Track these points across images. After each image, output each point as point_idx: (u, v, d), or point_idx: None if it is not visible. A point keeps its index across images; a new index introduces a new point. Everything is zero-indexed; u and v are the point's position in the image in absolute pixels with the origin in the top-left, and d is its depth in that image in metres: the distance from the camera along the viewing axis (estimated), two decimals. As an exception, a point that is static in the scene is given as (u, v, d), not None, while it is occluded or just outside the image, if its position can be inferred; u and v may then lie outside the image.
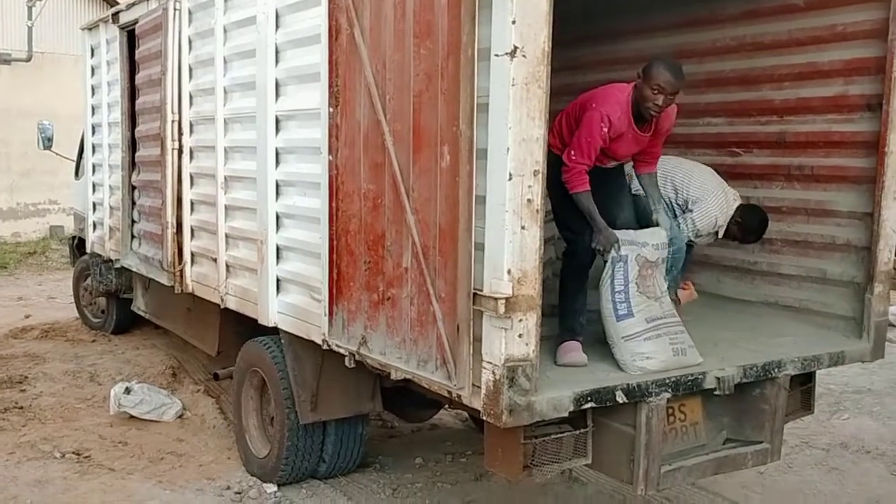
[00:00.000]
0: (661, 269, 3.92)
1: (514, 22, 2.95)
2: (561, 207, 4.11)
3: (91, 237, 7.94)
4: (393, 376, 3.68)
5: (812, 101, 4.49)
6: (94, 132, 7.74)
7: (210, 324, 5.89)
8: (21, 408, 6.04)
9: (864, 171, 4.22)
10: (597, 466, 3.65)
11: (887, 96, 4.04)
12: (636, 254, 3.81)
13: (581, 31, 5.60)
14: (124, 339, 8.16)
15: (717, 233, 4.58)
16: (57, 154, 9.17)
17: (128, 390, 5.93)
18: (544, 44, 3.01)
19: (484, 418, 3.20)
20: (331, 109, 3.85)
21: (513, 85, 2.96)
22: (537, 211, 3.06)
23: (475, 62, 3.06)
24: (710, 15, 5.07)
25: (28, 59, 13.79)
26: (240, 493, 4.78)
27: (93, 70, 7.66)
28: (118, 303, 8.09)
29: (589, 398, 3.33)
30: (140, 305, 7.52)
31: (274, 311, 4.67)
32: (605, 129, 3.79)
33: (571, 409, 3.28)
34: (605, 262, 3.83)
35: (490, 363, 3.11)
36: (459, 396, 3.27)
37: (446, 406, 5.43)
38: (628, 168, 4.35)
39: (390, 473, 5.14)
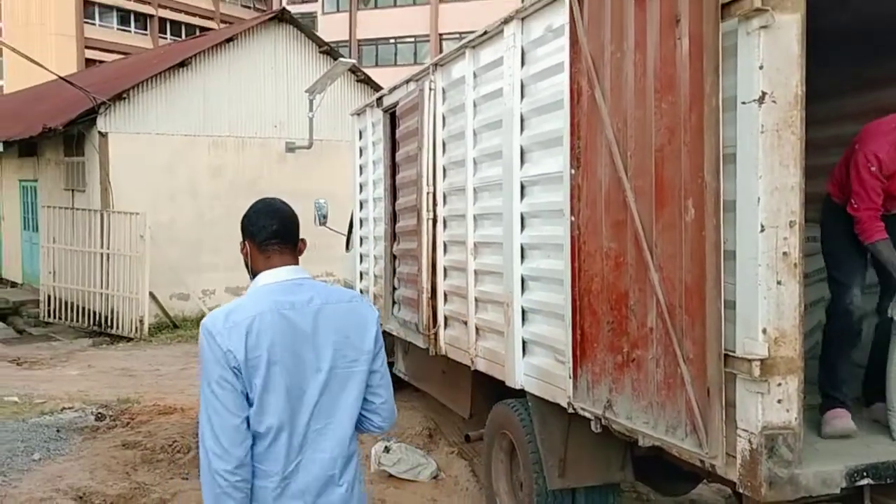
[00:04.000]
0: None
1: (761, 67, 2.81)
2: (832, 257, 3.82)
3: (359, 304, 8.51)
4: (641, 442, 3.52)
5: None
6: (361, 207, 8.39)
7: (462, 386, 6.04)
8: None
9: None
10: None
11: None
12: None
13: (848, 79, 5.20)
14: (387, 401, 8.56)
15: None
16: (331, 229, 10.01)
17: (387, 449, 6.21)
18: (797, 88, 2.84)
19: (741, 491, 2.95)
20: (572, 171, 3.87)
21: (762, 132, 2.80)
22: (795, 265, 2.84)
23: (720, 112, 2.93)
24: None
25: (309, 147, 15.35)
26: (490, 556, 4.77)
27: (360, 151, 8.35)
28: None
29: (865, 473, 2.97)
30: (401, 368, 7.90)
31: (520, 373, 4.69)
32: (875, 169, 3.45)
33: (844, 484, 2.94)
34: None
35: (745, 430, 2.88)
36: (713, 466, 3.06)
37: (705, 480, 5.10)
38: None
39: (644, 549, 4.89)
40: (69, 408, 8.30)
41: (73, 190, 15.14)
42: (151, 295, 13.82)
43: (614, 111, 3.53)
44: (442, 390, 6.75)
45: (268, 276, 2.51)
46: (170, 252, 14.15)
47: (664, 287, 3.23)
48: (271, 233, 2.52)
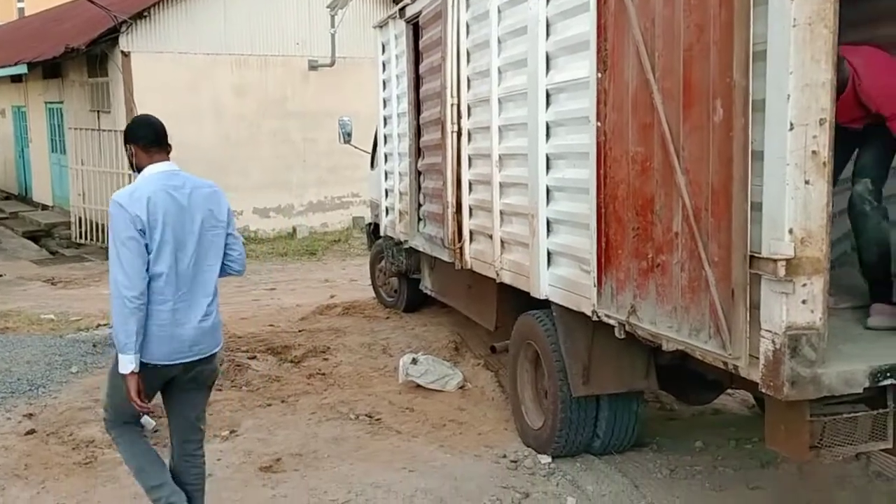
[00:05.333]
0: None
1: (794, -42, 2.70)
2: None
3: (384, 222, 8.55)
4: (664, 347, 3.55)
5: None
6: (385, 124, 8.32)
7: (488, 300, 6.08)
8: (323, 374, 6.67)
9: None
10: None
11: None
12: None
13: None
14: (414, 316, 8.68)
15: None
16: (355, 147, 9.97)
17: (414, 361, 6.31)
18: (831, -21, 2.73)
19: (763, 391, 2.97)
20: (599, 75, 3.79)
21: (794, 26, 2.71)
22: (824, 164, 2.79)
23: (750, 6, 2.84)
24: None
25: (332, 64, 15.16)
26: (515, 461, 4.88)
27: (384, 65, 8.23)
28: (408, 283, 8.63)
29: (889, 374, 2.96)
30: (427, 284, 7.96)
31: (545, 284, 4.71)
32: None
33: (867, 384, 2.94)
34: None
35: (769, 331, 2.88)
36: (736, 367, 3.07)
37: (730, 390, 5.15)
38: None
39: (668, 455, 4.96)
40: (104, 324, 8.48)
41: (98, 111, 15.14)
42: (180, 215, 13.92)
43: (642, 10, 3.43)
44: (468, 304, 6.81)
45: (152, 168, 3.49)
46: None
47: (690, 190, 3.19)
48: (152, 139, 3.52)
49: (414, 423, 5.55)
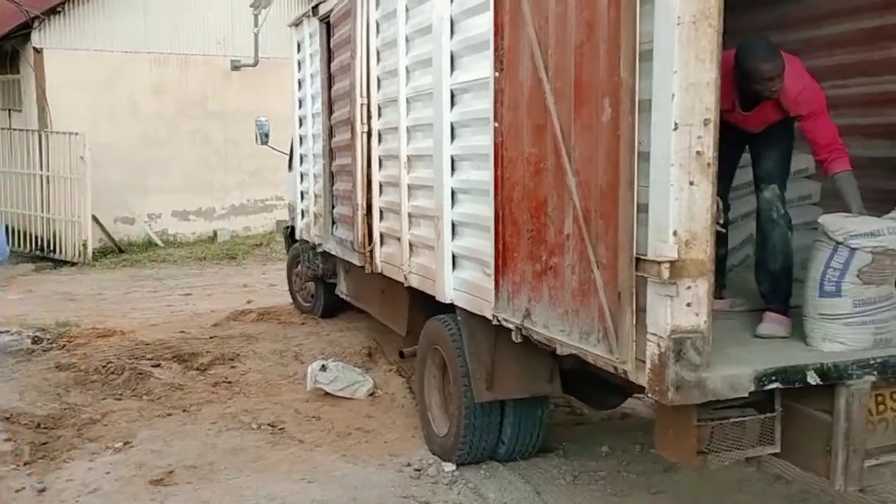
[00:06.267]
0: None
1: (679, -45, 2.65)
2: None
3: (299, 225, 8.37)
4: (559, 351, 3.48)
5: None
6: (300, 124, 8.15)
7: (399, 304, 5.96)
8: (230, 382, 6.46)
9: None
10: (788, 456, 3.24)
11: None
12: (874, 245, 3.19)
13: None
14: (331, 322, 8.51)
15: None
16: (273, 148, 9.75)
17: (324, 368, 6.15)
18: (716, -23, 2.69)
19: (650, 396, 2.92)
20: (496, 74, 3.72)
21: (678, 24, 2.66)
22: (708, 165, 2.74)
23: (637, 4, 2.79)
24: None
25: (255, 65, 14.86)
26: (419, 470, 4.77)
27: (299, 64, 8.07)
28: (325, 287, 8.45)
29: (774, 378, 2.94)
30: (343, 289, 7.80)
31: (450, 288, 4.62)
32: None
33: (752, 388, 2.91)
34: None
35: (655, 335, 2.83)
36: (625, 372, 3.01)
37: (639, 394, 5.13)
38: None
39: (573, 460, 4.92)
40: (5, 331, 8.11)
41: (9, 110, 14.58)
42: (94, 219, 13.46)
43: (536, 7, 3.37)
44: (381, 309, 6.67)
45: None
46: (112, 174, 13.74)
47: (581, 191, 3.13)
48: None
49: (319, 431, 5.40)
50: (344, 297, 7.79)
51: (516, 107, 3.56)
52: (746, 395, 2.92)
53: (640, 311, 2.89)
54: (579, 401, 5.37)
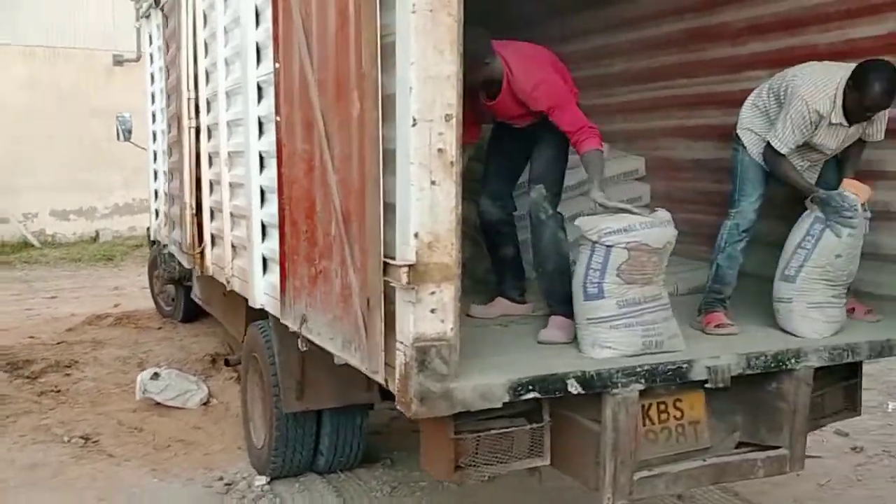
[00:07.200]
0: (665, 254, 3.23)
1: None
2: None
3: (153, 225, 8.00)
4: (335, 361, 3.28)
5: (862, 42, 3.74)
6: (153, 120, 7.79)
7: (238, 308, 5.65)
8: (59, 391, 6.08)
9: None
10: (562, 468, 3.11)
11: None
12: (627, 241, 3.09)
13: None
14: (189, 326, 8.17)
15: (829, 125, 3.45)
16: (136, 145, 9.33)
17: (156, 376, 5.83)
18: (454, -38, 2.53)
19: (398, 408, 2.74)
20: (276, 65, 3.51)
21: (413, 12, 2.49)
22: (452, 163, 2.57)
23: (377, -9, 2.61)
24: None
25: (138, 59, 14.24)
26: (230, 484, 4.53)
27: (151, 58, 7.70)
28: (185, 291, 8.10)
29: (531, 387, 2.79)
30: (196, 292, 7.47)
31: (261, 292, 4.38)
32: None
33: (507, 398, 2.75)
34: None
35: (402, 343, 2.65)
36: (386, 382, 2.83)
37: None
38: None
39: (398, 470, 4.74)
40: None
41: None
42: (-39, 218, 12.75)
43: (303, -7, 3.17)
44: (224, 313, 6.37)
45: None
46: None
47: (341, 191, 2.94)
48: None
49: (136, 444, 5.09)
50: (197, 300, 7.46)
51: (291, 101, 3.36)
52: (500, 405, 2.77)
53: (391, 318, 2.71)
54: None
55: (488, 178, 4.09)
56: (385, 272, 2.67)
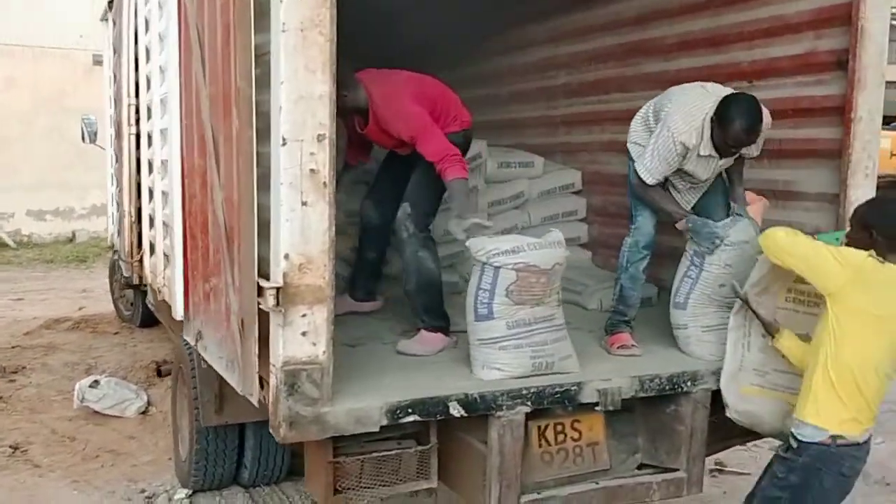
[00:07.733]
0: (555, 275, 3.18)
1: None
2: None
3: (110, 229, 7.95)
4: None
5: (781, 60, 3.69)
6: (111, 124, 7.73)
7: (172, 318, 5.64)
8: (0, 398, 6.02)
9: (834, 143, 3.40)
10: (454, 489, 3.07)
11: (853, 50, 3.22)
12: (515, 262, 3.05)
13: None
14: (146, 332, 8.09)
15: (699, 156, 3.36)
16: (101, 147, 9.27)
17: (95, 383, 5.78)
18: (325, -18, 2.49)
19: (271, 432, 2.69)
20: (183, 77, 3.46)
21: (283, 31, 2.45)
22: (325, 184, 2.54)
23: (251, 8, 2.57)
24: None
25: (116, 60, 14.27)
26: (151, 497, 4.48)
27: (107, 62, 7.66)
28: (142, 296, 8.03)
29: (410, 410, 2.75)
30: (150, 298, 7.40)
31: (181, 304, 4.33)
32: None
33: (384, 422, 2.71)
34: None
35: (274, 366, 2.61)
36: (260, 404, 2.79)
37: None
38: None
39: (325, 484, 4.68)
40: None
41: None
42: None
43: (198, 6, 3.12)
44: (168, 321, 6.33)
45: None
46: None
47: (225, 207, 2.90)
48: None
49: (65, 454, 5.02)
50: (150, 306, 7.40)
51: (190, 114, 3.31)
52: (377, 429, 2.72)
53: (266, 340, 2.66)
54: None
55: (374, 187, 4.23)
56: (259, 293, 2.62)
